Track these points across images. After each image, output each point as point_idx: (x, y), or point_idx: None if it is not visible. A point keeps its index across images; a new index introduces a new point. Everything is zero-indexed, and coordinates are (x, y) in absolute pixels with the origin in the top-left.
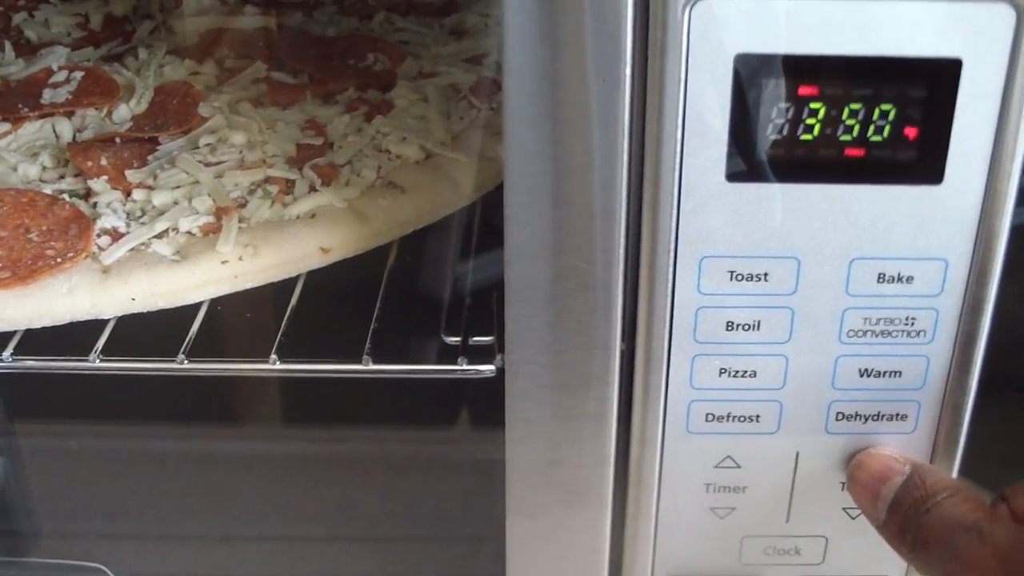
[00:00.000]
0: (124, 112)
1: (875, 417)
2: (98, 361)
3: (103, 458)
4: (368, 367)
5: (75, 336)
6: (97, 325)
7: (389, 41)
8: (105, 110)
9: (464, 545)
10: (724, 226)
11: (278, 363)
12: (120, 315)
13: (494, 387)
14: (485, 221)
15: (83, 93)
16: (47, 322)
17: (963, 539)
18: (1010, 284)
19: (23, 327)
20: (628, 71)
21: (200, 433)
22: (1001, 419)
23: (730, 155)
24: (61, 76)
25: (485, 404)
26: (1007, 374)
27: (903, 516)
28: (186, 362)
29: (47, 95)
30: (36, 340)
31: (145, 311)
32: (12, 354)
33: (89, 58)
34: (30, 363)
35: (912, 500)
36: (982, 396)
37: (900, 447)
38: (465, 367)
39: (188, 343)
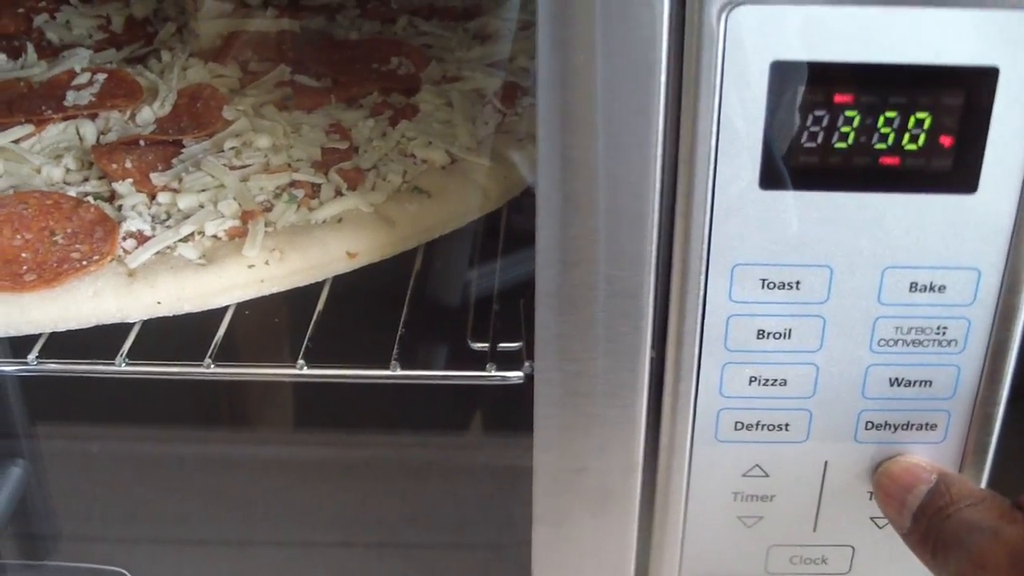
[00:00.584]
0: (148, 114)
1: (905, 426)
2: (124, 365)
3: (123, 462)
4: (396, 373)
5: (96, 340)
6: (119, 328)
7: (413, 44)
8: (129, 112)
9: (486, 552)
10: (757, 234)
11: (306, 368)
12: (146, 319)
13: (518, 393)
14: (511, 226)
15: (106, 95)
16: (73, 325)
17: (977, 539)
18: None
19: (48, 330)
20: (663, 78)
21: (219, 437)
22: None
23: (764, 162)
24: (84, 78)
25: (508, 410)
26: None
27: (927, 523)
28: (212, 366)
29: (70, 97)
30: (58, 343)
31: (171, 315)
32: (37, 357)
33: (111, 60)
34: (55, 367)
35: (936, 508)
36: (1012, 405)
37: (929, 456)
38: (493, 374)
39: (215, 347)
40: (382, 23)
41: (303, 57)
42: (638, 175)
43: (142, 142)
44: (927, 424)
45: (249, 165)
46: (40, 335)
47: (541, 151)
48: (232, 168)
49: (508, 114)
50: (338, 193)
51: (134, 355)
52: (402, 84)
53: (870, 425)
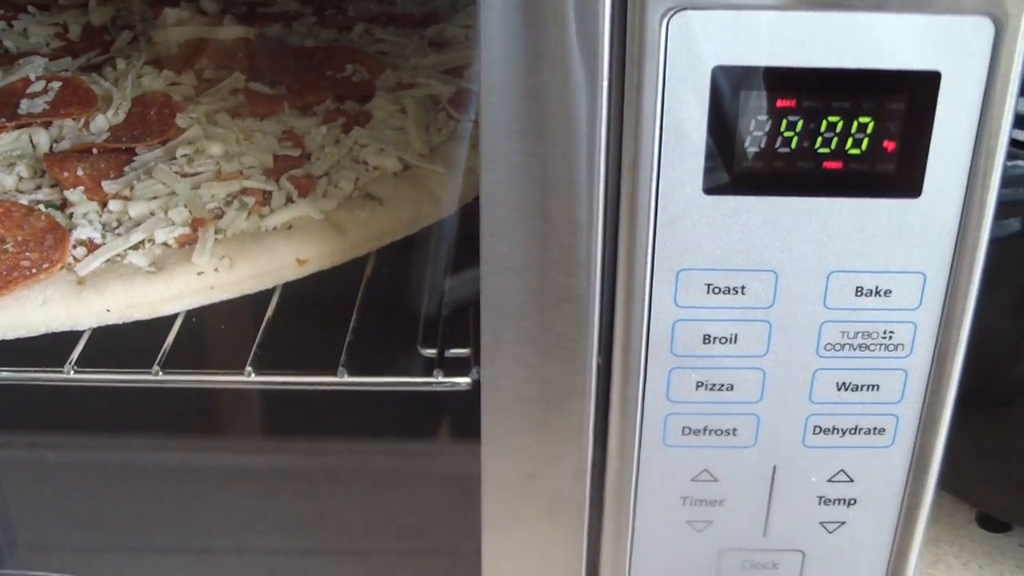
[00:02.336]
0: (101, 123)
1: (853, 431)
2: (72, 372)
3: (80, 470)
4: (343, 379)
5: (52, 348)
6: (74, 336)
7: (368, 52)
8: (83, 120)
9: (442, 558)
10: (701, 239)
11: (253, 375)
12: (95, 326)
13: (471, 400)
14: (463, 233)
15: (61, 103)
16: (22, 333)
17: None
18: (988, 297)
19: None
20: (605, 83)
21: (177, 445)
22: (980, 433)
23: (707, 167)
24: (39, 86)
25: (462, 417)
26: (986, 388)
27: None
28: (160, 374)
29: (24, 105)
30: (11, 351)
31: (120, 323)
32: None
33: (67, 68)
34: (4, 374)
35: None
36: (961, 410)
37: (878, 461)
38: (441, 380)
39: (163, 355)
40: (339, 31)
41: (259, 65)
42: (582, 181)
43: (95, 150)
44: (875, 428)
45: (201, 173)
46: None
47: (485, 157)
48: (184, 175)
49: (462, 121)
50: (289, 200)
51: (84, 363)
52: (356, 91)
53: (818, 430)
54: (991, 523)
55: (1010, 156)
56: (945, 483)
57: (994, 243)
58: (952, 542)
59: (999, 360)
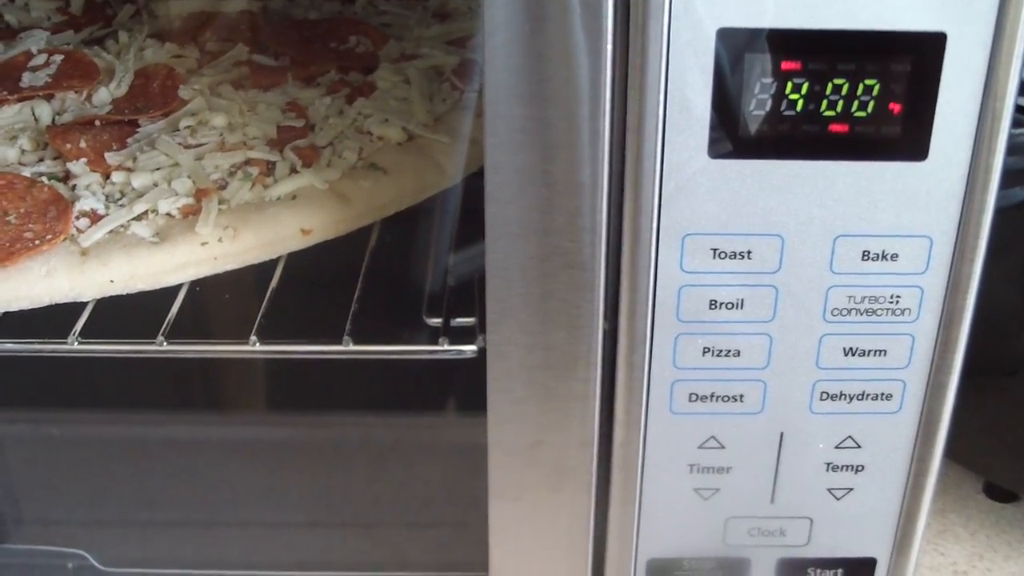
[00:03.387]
0: (104, 95)
1: (860, 396)
2: (76, 343)
3: (85, 445)
4: (348, 348)
5: (56, 321)
6: (77, 310)
7: (371, 24)
8: (85, 93)
9: (449, 530)
10: (707, 203)
11: (258, 344)
12: (99, 297)
13: (478, 370)
14: (468, 202)
15: (63, 76)
16: (25, 304)
17: None
18: (994, 267)
19: (1, 310)
20: (609, 47)
21: (182, 419)
22: (987, 404)
23: (712, 131)
24: (40, 59)
25: (469, 388)
26: (992, 359)
27: None
28: (165, 344)
29: (26, 78)
30: (15, 324)
31: (124, 293)
32: None
33: (69, 42)
34: (8, 346)
35: None
36: (968, 381)
37: (886, 427)
38: (447, 348)
39: (167, 325)
40: (342, 3)
41: (262, 37)
42: (586, 146)
43: (98, 122)
44: (882, 394)
45: (204, 144)
46: None
47: (489, 122)
48: (187, 147)
49: (466, 91)
50: (293, 171)
51: (88, 334)
52: (360, 63)
53: (825, 396)
54: (998, 493)
55: (1018, 124)
56: (952, 453)
57: (1001, 212)
58: (960, 512)
59: (1005, 330)
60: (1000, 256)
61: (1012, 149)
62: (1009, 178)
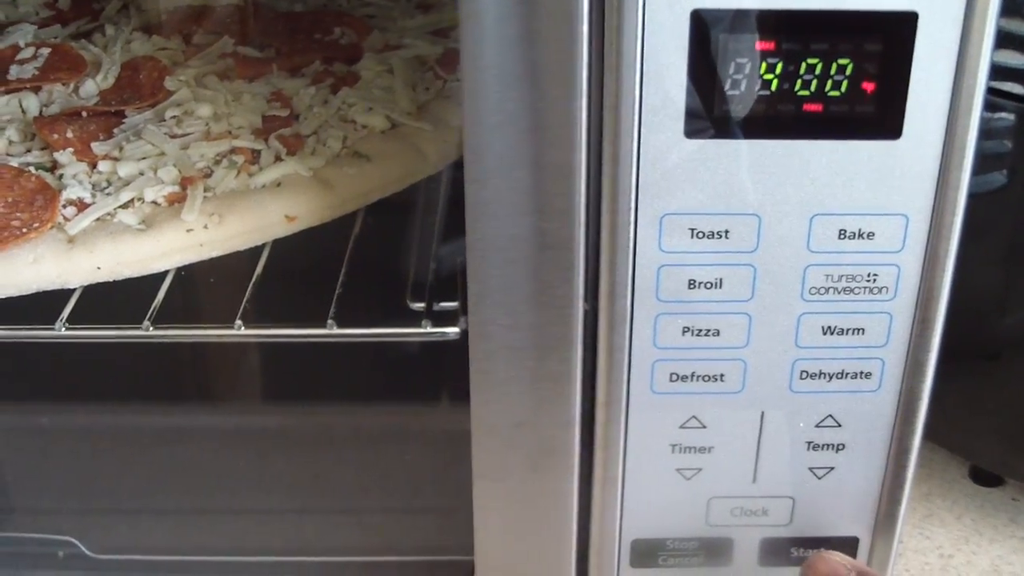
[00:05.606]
0: (91, 87)
1: (839, 375)
2: (63, 329)
3: (74, 434)
4: (332, 331)
5: (43, 309)
6: (64, 298)
7: (355, 15)
8: (72, 85)
9: (437, 516)
10: (684, 184)
11: (243, 328)
12: (86, 284)
13: (463, 355)
14: (452, 189)
15: (50, 68)
16: (13, 292)
17: None
18: (973, 251)
19: None
20: (585, 28)
21: (172, 408)
22: (970, 387)
23: (688, 111)
24: (28, 52)
25: (455, 374)
26: (974, 342)
27: None
28: (151, 329)
29: (14, 71)
30: (3, 312)
31: (111, 280)
32: None
33: (56, 35)
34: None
35: None
36: (950, 364)
37: (865, 405)
38: (430, 329)
39: (153, 311)
40: None
41: (247, 29)
42: (564, 126)
43: (84, 113)
44: (862, 372)
45: (190, 133)
46: None
47: (467, 104)
48: (173, 137)
49: (449, 79)
50: (278, 159)
51: (75, 321)
52: (344, 53)
53: (805, 374)
54: (984, 477)
55: (994, 107)
56: (937, 437)
57: (980, 197)
58: (945, 496)
59: (986, 314)
60: (980, 240)
61: (990, 133)
62: (988, 162)
